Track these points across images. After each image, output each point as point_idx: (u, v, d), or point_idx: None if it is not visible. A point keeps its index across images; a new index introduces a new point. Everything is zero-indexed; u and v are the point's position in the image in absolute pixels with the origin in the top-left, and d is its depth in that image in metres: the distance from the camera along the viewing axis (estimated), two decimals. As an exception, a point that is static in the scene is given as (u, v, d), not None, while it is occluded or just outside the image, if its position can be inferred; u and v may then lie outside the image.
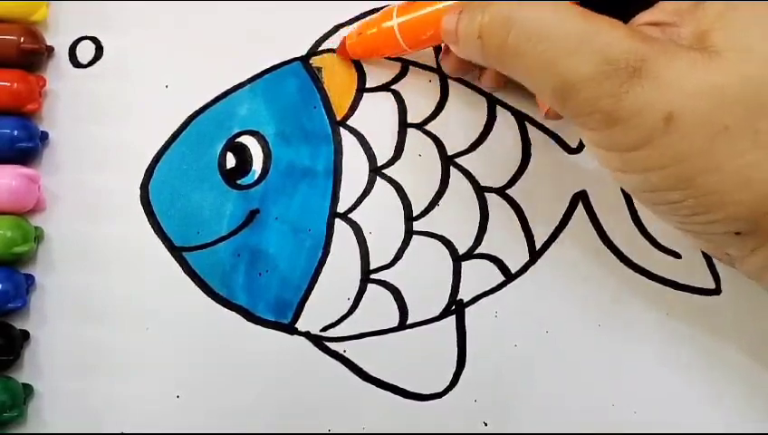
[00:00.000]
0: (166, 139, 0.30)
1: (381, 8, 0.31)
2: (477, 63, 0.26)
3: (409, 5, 0.28)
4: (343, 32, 0.31)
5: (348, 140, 0.30)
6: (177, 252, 0.29)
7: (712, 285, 0.29)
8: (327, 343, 0.28)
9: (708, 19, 0.21)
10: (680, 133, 0.20)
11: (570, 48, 0.20)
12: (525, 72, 0.22)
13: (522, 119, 0.30)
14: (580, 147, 0.30)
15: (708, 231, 0.22)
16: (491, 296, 0.28)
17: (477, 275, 0.29)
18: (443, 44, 0.28)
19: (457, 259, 0.29)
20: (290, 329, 0.28)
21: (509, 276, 0.29)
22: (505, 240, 0.29)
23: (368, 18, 0.30)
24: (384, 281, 0.28)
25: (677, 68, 0.20)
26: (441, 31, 0.26)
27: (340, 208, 0.29)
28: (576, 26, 0.21)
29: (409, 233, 0.29)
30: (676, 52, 0.20)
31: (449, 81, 0.30)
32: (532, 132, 0.30)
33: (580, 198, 0.29)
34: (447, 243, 0.29)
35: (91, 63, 0.31)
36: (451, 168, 0.30)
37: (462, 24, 0.24)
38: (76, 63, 0.31)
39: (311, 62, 0.31)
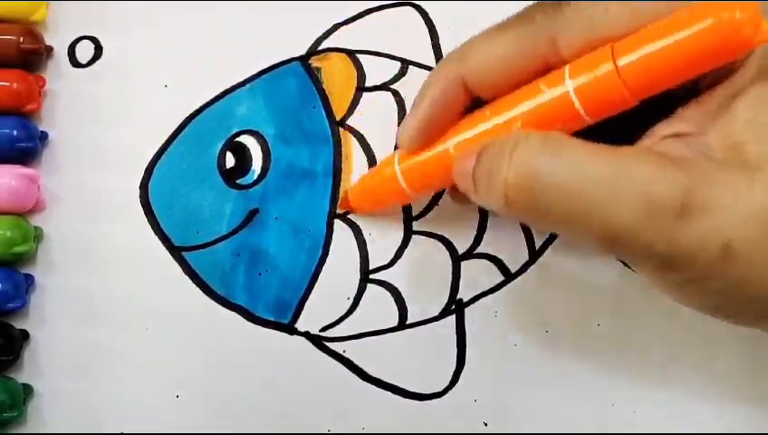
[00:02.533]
0: (165, 138, 0.30)
1: (381, 8, 0.31)
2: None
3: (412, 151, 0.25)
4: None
5: (347, 139, 0.30)
6: (176, 252, 0.29)
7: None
8: (326, 343, 0.28)
9: (738, 128, 0.19)
10: (740, 262, 0.18)
11: (607, 197, 0.18)
12: (563, 227, 0.20)
13: (521, 118, 0.30)
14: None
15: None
16: (491, 296, 0.28)
17: (477, 275, 0.29)
18: None
19: (457, 259, 0.29)
20: (289, 329, 0.28)
21: (509, 276, 0.29)
22: (505, 240, 0.29)
23: (369, 170, 0.29)
24: (384, 281, 0.28)
25: (724, 195, 0.18)
26: (455, 179, 0.22)
27: (340, 209, 0.29)
28: (605, 170, 0.19)
29: (409, 233, 0.29)
30: (718, 176, 0.19)
31: (449, 80, 0.30)
32: (532, 132, 0.30)
33: (580, 197, 0.29)
34: (447, 243, 0.29)
35: (90, 63, 0.31)
36: (451, 167, 0.29)
37: (482, 181, 0.21)
38: (75, 63, 0.31)
39: (310, 61, 0.31)
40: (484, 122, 0.22)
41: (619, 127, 0.21)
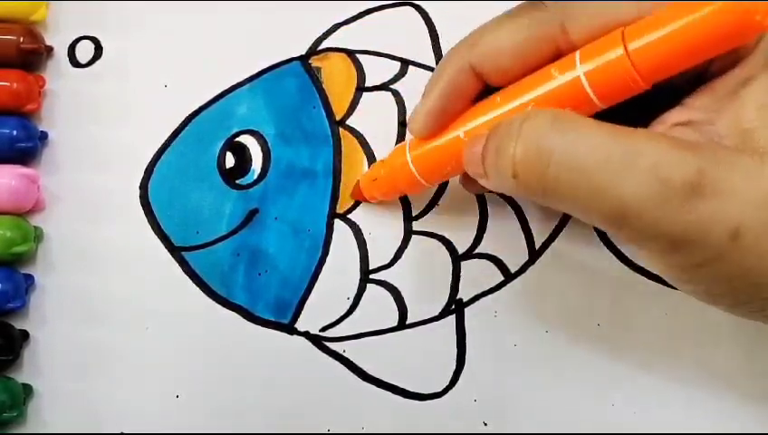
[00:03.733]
0: (165, 138, 0.30)
1: (381, 8, 0.31)
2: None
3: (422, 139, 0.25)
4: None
5: (347, 139, 0.30)
6: (176, 252, 0.29)
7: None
8: (326, 343, 0.28)
9: (748, 114, 0.19)
10: (748, 247, 0.18)
11: (616, 173, 0.18)
12: (571, 204, 0.20)
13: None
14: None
15: None
16: (490, 296, 0.28)
17: (477, 275, 0.28)
18: None
19: (457, 259, 0.29)
20: (289, 329, 0.28)
21: (509, 276, 0.29)
22: (505, 240, 0.29)
23: (380, 159, 0.28)
24: (383, 281, 0.28)
25: (735, 179, 0.18)
26: (464, 164, 0.22)
27: (340, 209, 0.29)
28: (615, 146, 0.18)
29: (409, 233, 0.29)
30: (730, 159, 0.18)
31: (449, 80, 0.30)
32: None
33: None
34: (447, 243, 0.29)
35: (90, 63, 0.31)
36: (451, 167, 0.29)
37: (490, 159, 0.20)
38: (75, 63, 0.31)
39: (310, 61, 0.31)
40: (495, 109, 0.22)
41: (629, 114, 0.21)
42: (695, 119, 0.20)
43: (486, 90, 0.23)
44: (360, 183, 0.28)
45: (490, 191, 0.26)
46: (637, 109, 0.21)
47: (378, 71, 0.30)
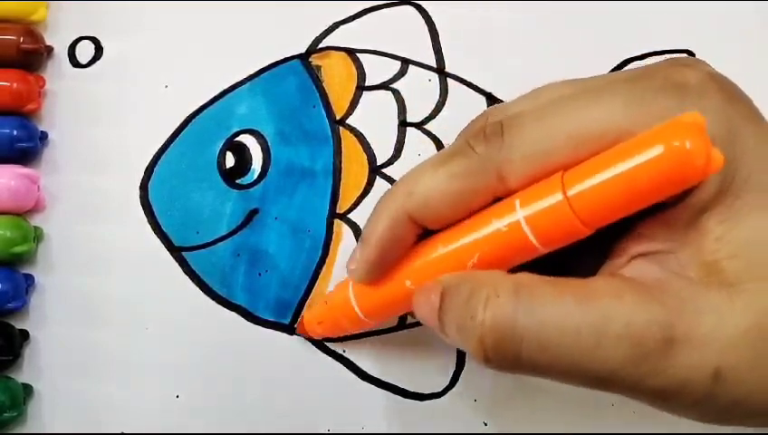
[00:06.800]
0: (165, 138, 0.30)
1: (381, 7, 0.31)
2: None
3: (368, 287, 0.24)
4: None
5: (347, 138, 0.30)
6: (176, 252, 0.29)
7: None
8: (327, 343, 0.28)
9: (710, 245, 0.19)
10: (733, 384, 0.18)
11: (590, 344, 0.18)
12: (549, 377, 0.19)
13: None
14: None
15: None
16: (491, 296, 0.28)
17: (477, 275, 0.28)
18: None
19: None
20: (289, 329, 0.28)
21: (509, 276, 0.28)
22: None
23: (323, 297, 0.27)
24: (383, 281, 0.28)
25: (707, 322, 0.18)
26: (415, 313, 0.22)
27: (340, 208, 0.29)
28: (583, 316, 0.18)
29: (409, 233, 0.29)
30: (697, 301, 0.18)
31: (449, 80, 0.30)
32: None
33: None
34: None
35: (90, 63, 0.31)
36: (451, 167, 0.29)
37: (451, 329, 0.20)
38: (75, 63, 0.31)
39: (310, 60, 0.30)
40: (438, 255, 0.21)
41: (583, 242, 0.19)
42: (654, 250, 0.20)
43: (427, 231, 0.22)
44: (305, 320, 0.27)
45: None
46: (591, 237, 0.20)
47: (378, 70, 0.30)
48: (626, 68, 0.30)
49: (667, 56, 0.26)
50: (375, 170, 0.29)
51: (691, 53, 0.30)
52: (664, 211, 0.19)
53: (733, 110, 0.19)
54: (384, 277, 0.23)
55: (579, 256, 0.21)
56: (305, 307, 0.28)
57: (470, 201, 0.21)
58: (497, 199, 0.20)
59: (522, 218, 0.19)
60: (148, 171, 0.30)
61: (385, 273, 0.23)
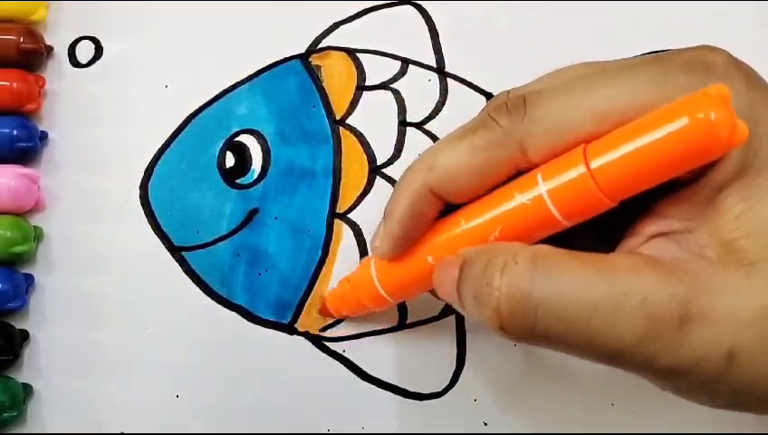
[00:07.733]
0: (165, 138, 0.30)
1: (381, 7, 0.31)
2: None
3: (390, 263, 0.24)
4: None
5: (347, 139, 0.30)
6: (176, 252, 0.29)
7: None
8: (326, 343, 0.28)
9: (729, 224, 0.19)
10: (746, 365, 0.18)
11: (606, 317, 0.18)
12: (563, 350, 0.19)
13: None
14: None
15: None
16: (491, 296, 0.28)
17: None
18: None
19: (457, 259, 0.28)
20: (289, 329, 0.28)
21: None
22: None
23: (345, 277, 0.27)
24: (383, 281, 0.28)
25: (723, 301, 0.18)
26: (436, 289, 0.21)
27: (340, 208, 0.29)
28: (601, 288, 0.18)
29: (409, 232, 0.29)
30: (715, 280, 0.18)
31: (449, 80, 0.30)
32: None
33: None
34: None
35: (90, 63, 0.31)
36: (451, 167, 0.29)
37: (468, 300, 0.20)
38: (75, 63, 0.31)
39: (310, 60, 0.30)
40: (460, 230, 0.21)
41: (601, 220, 0.19)
42: (672, 229, 0.20)
43: (449, 207, 0.22)
44: (327, 301, 0.28)
45: None
46: (607, 214, 0.20)
47: (378, 70, 0.30)
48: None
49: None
50: (375, 170, 0.29)
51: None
52: (682, 190, 0.19)
53: (756, 94, 0.19)
54: (407, 253, 0.23)
55: (593, 241, 0.20)
56: (305, 306, 0.28)
57: (492, 174, 0.21)
58: (519, 173, 0.20)
59: (544, 192, 0.19)
60: (148, 171, 0.30)
61: (408, 248, 0.23)
